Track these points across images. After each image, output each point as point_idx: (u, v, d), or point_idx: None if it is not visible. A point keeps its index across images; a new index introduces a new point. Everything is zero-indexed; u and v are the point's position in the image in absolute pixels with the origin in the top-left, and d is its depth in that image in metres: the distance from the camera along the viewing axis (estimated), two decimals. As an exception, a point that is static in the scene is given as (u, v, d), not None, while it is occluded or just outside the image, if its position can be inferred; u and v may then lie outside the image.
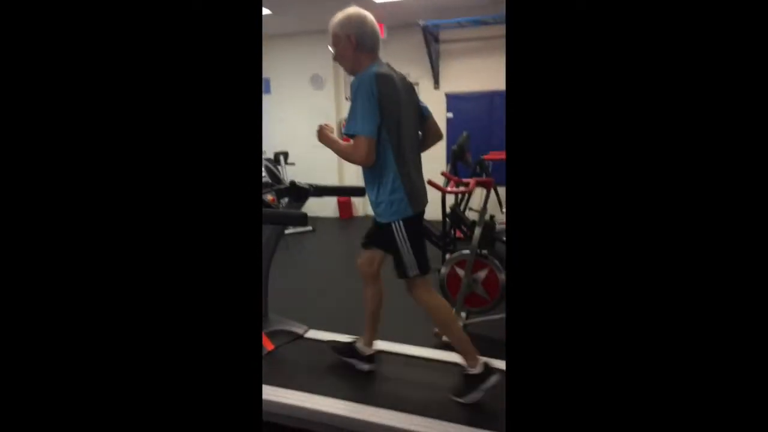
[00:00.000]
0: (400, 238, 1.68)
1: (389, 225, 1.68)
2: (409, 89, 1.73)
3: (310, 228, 5.05)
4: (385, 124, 1.56)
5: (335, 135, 1.74)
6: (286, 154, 5.25)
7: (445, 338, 2.38)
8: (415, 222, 1.71)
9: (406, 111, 1.67)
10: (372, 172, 1.67)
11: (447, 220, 3.19)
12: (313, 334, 2.31)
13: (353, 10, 1.66)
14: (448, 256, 3.13)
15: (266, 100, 5.91)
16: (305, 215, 1.51)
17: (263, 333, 2.20)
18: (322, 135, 1.73)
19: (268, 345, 2.17)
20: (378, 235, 1.77)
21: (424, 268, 1.74)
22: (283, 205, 2.21)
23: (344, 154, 1.64)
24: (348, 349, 2.03)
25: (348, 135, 1.56)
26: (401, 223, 1.67)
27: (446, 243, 3.26)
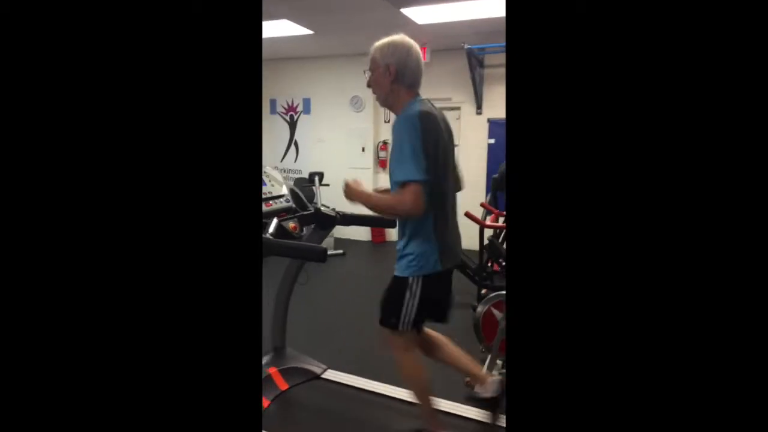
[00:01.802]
0: (411, 295, 1.47)
1: (405, 279, 1.48)
2: (449, 129, 1.55)
3: (340, 251, 4.90)
4: (427, 168, 1.36)
5: (363, 186, 1.53)
6: (321, 175, 5.16)
7: (477, 389, 2.14)
8: (438, 281, 1.50)
9: (446, 153, 1.48)
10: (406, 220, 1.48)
11: (484, 251, 2.96)
12: (332, 374, 2.12)
13: (399, 38, 1.49)
14: (484, 291, 2.89)
15: (306, 120, 5.91)
16: (324, 251, 1.34)
17: (277, 370, 2.03)
18: (352, 192, 1.51)
19: (281, 384, 2.00)
20: (389, 286, 1.55)
21: (418, 326, 1.55)
22: (307, 232, 2.06)
23: (388, 208, 1.44)
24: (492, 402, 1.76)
25: (396, 183, 1.36)
26: (420, 280, 1.47)
27: (482, 277, 3.02)
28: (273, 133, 6.11)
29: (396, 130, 1.40)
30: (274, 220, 1.62)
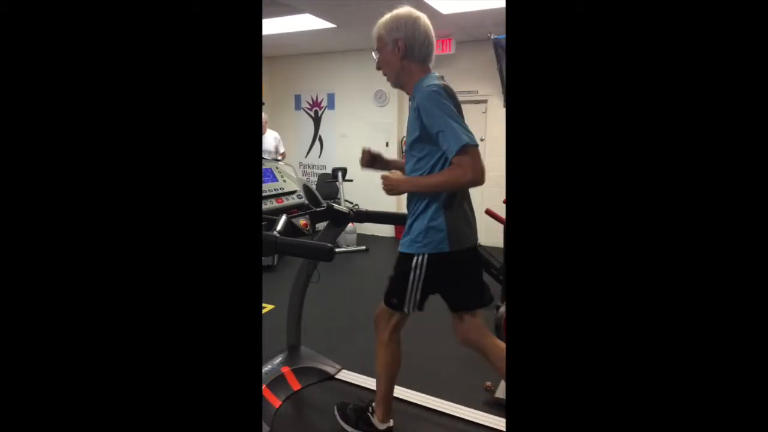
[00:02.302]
0: (416, 276, 1.39)
1: (410, 256, 1.40)
2: (460, 107, 1.45)
3: (363, 248, 4.85)
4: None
5: (400, 174, 1.45)
6: (344, 170, 5.13)
7: (498, 395, 2.04)
8: (447, 262, 1.40)
9: None
10: (415, 195, 1.41)
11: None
12: (346, 375, 2.07)
13: (404, 10, 1.40)
14: (508, 292, 2.78)
15: (330, 115, 5.88)
16: (331, 250, 1.28)
17: (290, 369, 2.00)
18: (396, 183, 1.40)
19: (293, 384, 1.96)
20: (395, 270, 1.48)
21: (421, 307, 1.47)
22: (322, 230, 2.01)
23: (449, 184, 1.31)
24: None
25: (456, 151, 1.25)
26: (426, 258, 1.38)
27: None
28: (297, 129, 6.11)
29: (424, 105, 1.30)
30: (283, 217, 1.57)
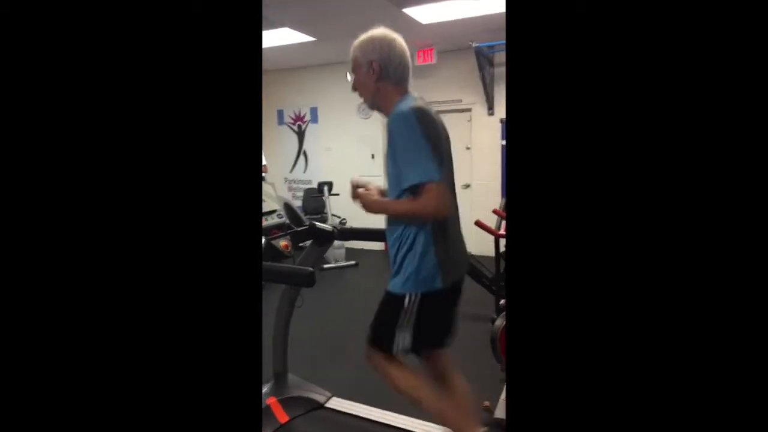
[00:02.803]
0: (408, 314, 1.29)
1: (402, 297, 1.30)
2: (445, 128, 1.37)
3: (353, 262, 4.74)
4: (438, 165, 1.21)
5: (375, 192, 1.39)
6: (330, 184, 5.04)
7: (497, 415, 1.94)
8: (440, 298, 1.32)
9: (446, 153, 1.33)
10: (399, 224, 1.31)
11: (501, 259, 2.76)
12: (336, 403, 1.95)
13: (380, 32, 1.35)
14: (502, 302, 2.70)
15: (314, 129, 5.80)
16: (311, 275, 1.18)
17: (276, 400, 1.88)
18: (366, 203, 1.35)
19: (280, 416, 1.84)
20: (381, 302, 1.38)
21: (418, 351, 1.37)
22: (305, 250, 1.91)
23: (411, 215, 1.25)
24: None
25: (410, 187, 1.20)
26: (418, 297, 1.29)
27: (499, 286, 2.82)
28: (281, 144, 6.02)
29: (392, 129, 1.23)
30: (262, 240, 1.47)
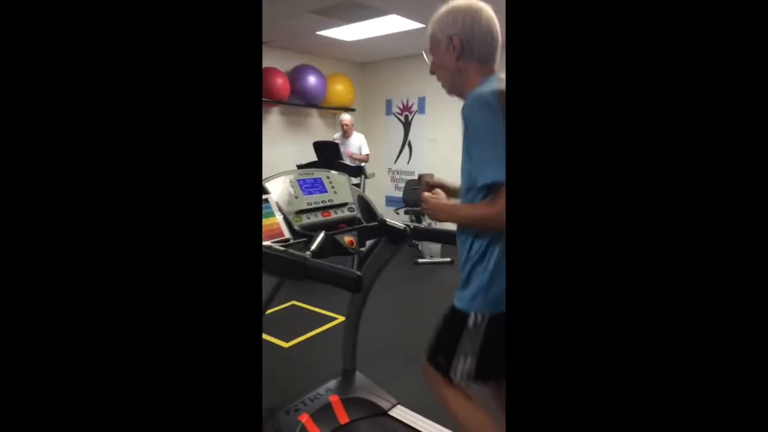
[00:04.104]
0: (471, 336, 1.10)
1: (465, 314, 1.12)
2: None
3: (448, 260, 4.55)
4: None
5: (443, 196, 1.23)
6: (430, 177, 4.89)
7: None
8: (501, 326, 1.09)
9: None
10: (468, 231, 1.13)
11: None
12: (400, 412, 1.83)
13: (463, 2, 1.14)
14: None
15: (420, 119, 5.69)
16: (359, 279, 1.06)
17: (339, 399, 1.81)
18: (432, 207, 1.19)
19: (341, 416, 1.77)
20: (444, 316, 1.19)
21: (484, 379, 1.15)
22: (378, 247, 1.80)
23: (484, 221, 1.06)
24: None
25: (485, 186, 1.02)
26: (486, 318, 1.09)
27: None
28: (387, 134, 6.02)
29: (468, 116, 1.03)
30: (321, 234, 1.39)
